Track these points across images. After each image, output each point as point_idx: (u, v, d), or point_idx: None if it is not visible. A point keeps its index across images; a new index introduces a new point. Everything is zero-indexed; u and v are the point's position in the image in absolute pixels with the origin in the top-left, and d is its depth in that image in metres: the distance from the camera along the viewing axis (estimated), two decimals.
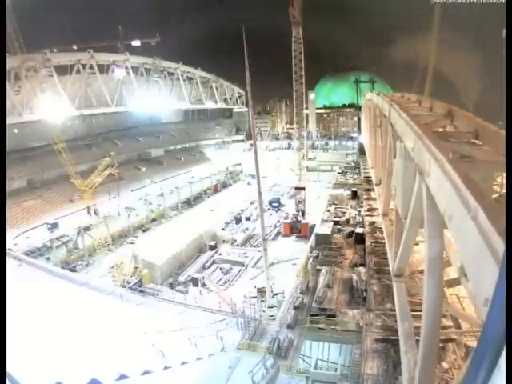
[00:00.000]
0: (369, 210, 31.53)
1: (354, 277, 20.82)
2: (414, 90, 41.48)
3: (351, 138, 77.62)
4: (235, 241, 34.50)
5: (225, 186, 59.55)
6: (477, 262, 3.00)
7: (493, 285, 1.48)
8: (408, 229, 7.51)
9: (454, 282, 17.82)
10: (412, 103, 14.73)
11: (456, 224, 3.79)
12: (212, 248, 32.32)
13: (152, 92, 59.26)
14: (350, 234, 28.19)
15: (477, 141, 7.26)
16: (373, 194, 36.99)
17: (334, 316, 17.31)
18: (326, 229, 29.05)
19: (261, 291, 21.66)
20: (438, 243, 5.31)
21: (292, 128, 74.28)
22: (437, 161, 4.85)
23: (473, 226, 3.07)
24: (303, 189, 38.08)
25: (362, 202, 35.66)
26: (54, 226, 34.55)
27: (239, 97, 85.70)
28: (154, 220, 41.52)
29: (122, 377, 14.86)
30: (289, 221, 36.49)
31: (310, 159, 66.44)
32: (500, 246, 2.53)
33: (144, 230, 38.86)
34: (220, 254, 31.76)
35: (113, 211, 37.77)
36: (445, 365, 12.58)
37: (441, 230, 5.31)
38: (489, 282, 2.53)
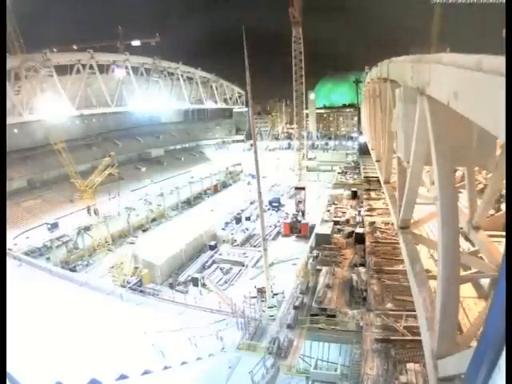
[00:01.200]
0: (369, 210, 31.56)
1: (354, 277, 20.83)
2: None
3: (351, 138, 77.64)
4: (235, 241, 34.49)
5: (225, 185, 59.54)
6: None
7: None
8: (412, 170, 7.44)
9: None
10: None
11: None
12: (212, 248, 32.31)
13: (152, 92, 59.25)
14: (350, 234, 28.21)
15: None
16: (373, 194, 37.07)
17: (333, 316, 17.32)
18: (326, 229, 29.06)
19: (261, 291, 21.64)
20: (449, 175, 5.12)
21: (292, 128, 74.26)
22: (437, 62, 4.69)
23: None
24: (303, 189, 38.07)
25: (361, 202, 35.69)
26: (54, 226, 34.55)
27: (239, 97, 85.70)
28: (153, 220, 41.51)
29: (122, 377, 14.85)
30: (289, 221, 36.48)
31: (310, 159, 66.45)
32: None
33: (144, 230, 38.86)
34: (220, 254, 31.75)
35: (113, 211, 37.77)
36: None
37: (450, 164, 5.17)
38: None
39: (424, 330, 5.79)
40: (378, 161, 21.00)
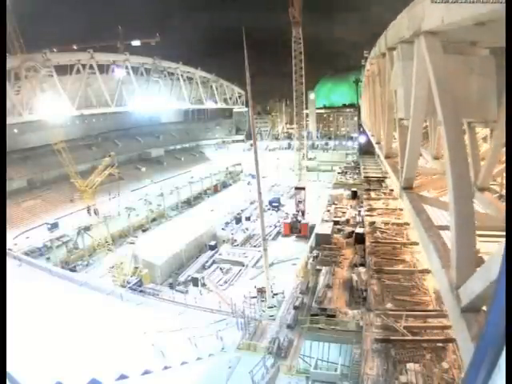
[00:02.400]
0: (369, 210, 31.55)
1: (354, 277, 20.82)
2: None
3: (351, 138, 77.62)
4: (235, 241, 34.49)
5: (225, 186, 59.55)
6: None
7: None
8: (412, 124, 7.52)
9: None
10: None
11: None
12: (212, 248, 32.32)
13: (152, 92, 59.21)
14: (350, 234, 28.19)
15: None
16: (373, 194, 37.06)
17: (333, 316, 17.32)
18: (326, 229, 29.04)
19: (261, 291, 21.65)
20: (456, 126, 5.05)
21: (292, 128, 74.26)
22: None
23: None
24: (303, 189, 38.09)
25: (361, 202, 35.68)
26: (54, 225, 34.55)
27: (239, 97, 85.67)
28: (154, 220, 41.52)
29: (122, 377, 14.85)
30: (289, 221, 36.48)
31: (310, 159, 66.49)
32: None
33: (144, 230, 38.86)
34: (220, 254, 31.75)
35: (113, 211, 37.78)
36: (445, 365, 12.59)
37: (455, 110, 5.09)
38: None
39: (438, 268, 5.56)
40: (377, 143, 21.71)
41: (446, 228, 6.32)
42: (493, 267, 3.05)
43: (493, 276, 2.02)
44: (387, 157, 15.06)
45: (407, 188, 9.17)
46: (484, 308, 3.98)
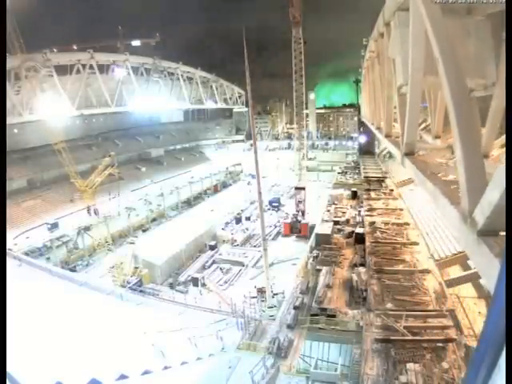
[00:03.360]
0: (369, 210, 31.56)
1: (354, 277, 20.81)
2: None
3: (351, 138, 77.64)
4: (235, 241, 34.49)
5: (225, 186, 59.55)
6: None
7: None
8: (411, 83, 7.66)
9: (454, 282, 17.87)
10: None
11: None
12: (212, 248, 32.32)
13: (152, 92, 59.23)
14: (350, 234, 28.19)
15: None
16: (373, 194, 37.08)
17: (333, 316, 17.31)
18: (326, 229, 29.04)
19: (261, 291, 21.64)
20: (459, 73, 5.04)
21: (292, 128, 74.27)
22: None
23: None
24: (303, 189, 38.08)
25: (361, 202, 35.70)
26: (54, 225, 34.54)
27: (239, 97, 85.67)
28: (154, 220, 41.52)
29: (122, 377, 14.85)
30: (289, 221, 36.48)
31: (310, 159, 66.48)
32: None
33: (144, 230, 38.86)
34: (220, 254, 31.75)
35: (113, 211, 37.76)
36: (445, 365, 12.60)
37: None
38: None
39: (448, 207, 5.49)
40: (378, 128, 22.36)
41: (451, 183, 6.32)
42: (503, 177, 2.81)
43: (504, 185, 1.97)
44: (387, 136, 15.16)
45: (409, 154, 9.23)
46: (502, 233, 3.73)
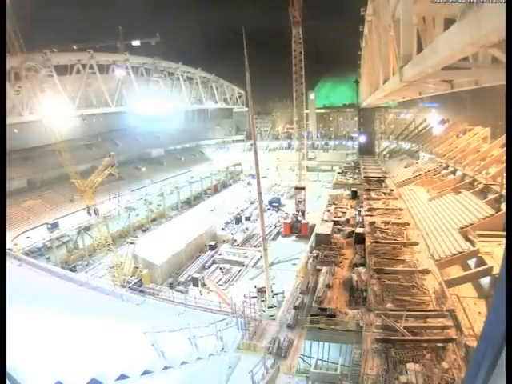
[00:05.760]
0: (369, 210, 31.55)
1: (354, 277, 20.80)
2: None
3: (351, 138, 77.63)
4: (235, 241, 34.49)
5: (225, 185, 59.60)
6: None
7: None
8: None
9: (454, 282, 17.87)
10: None
11: None
12: (212, 248, 32.33)
13: (152, 92, 59.23)
14: (350, 234, 28.19)
15: None
16: (373, 194, 37.08)
17: (333, 316, 17.30)
18: (326, 229, 29.03)
19: (261, 291, 21.64)
20: None
21: (292, 128, 74.29)
22: None
23: None
24: (303, 189, 38.08)
25: (361, 202, 35.68)
26: (54, 225, 34.52)
27: (239, 97, 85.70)
28: (154, 220, 41.54)
29: (122, 377, 14.84)
30: (289, 221, 36.48)
31: (310, 159, 66.47)
32: None
33: (144, 230, 38.89)
34: (220, 254, 31.76)
35: (113, 211, 37.76)
36: (445, 365, 12.59)
37: None
38: None
39: None
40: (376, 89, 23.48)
41: None
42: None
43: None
44: (385, 82, 15.43)
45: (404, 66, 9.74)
46: None
